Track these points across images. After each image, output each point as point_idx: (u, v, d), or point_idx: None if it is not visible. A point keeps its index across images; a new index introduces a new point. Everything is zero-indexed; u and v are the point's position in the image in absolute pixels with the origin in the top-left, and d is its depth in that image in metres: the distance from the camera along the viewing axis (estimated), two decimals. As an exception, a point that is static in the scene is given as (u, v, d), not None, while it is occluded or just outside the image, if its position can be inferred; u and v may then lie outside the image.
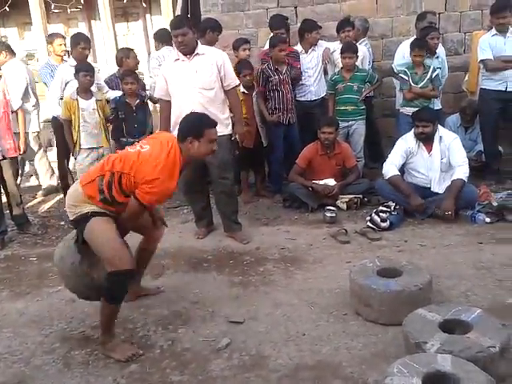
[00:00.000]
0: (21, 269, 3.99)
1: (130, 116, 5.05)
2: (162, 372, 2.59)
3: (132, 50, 5.70)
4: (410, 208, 4.36)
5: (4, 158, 4.53)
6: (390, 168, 4.50)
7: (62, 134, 5.01)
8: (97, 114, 4.79)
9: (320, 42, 5.50)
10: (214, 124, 2.93)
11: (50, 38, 5.47)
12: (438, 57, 5.26)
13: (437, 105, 5.21)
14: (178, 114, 3.78)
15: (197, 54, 3.92)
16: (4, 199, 4.70)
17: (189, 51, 3.91)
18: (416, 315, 2.54)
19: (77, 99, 4.73)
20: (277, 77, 5.04)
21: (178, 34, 3.87)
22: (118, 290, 2.68)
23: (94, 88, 4.87)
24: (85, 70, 4.65)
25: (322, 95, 5.51)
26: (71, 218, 2.77)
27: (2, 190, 4.68)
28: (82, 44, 5.07)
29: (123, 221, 2.77)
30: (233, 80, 4.05)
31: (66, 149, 5.11)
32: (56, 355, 2.79)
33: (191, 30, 3.93)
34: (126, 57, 5.42)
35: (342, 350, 2.63)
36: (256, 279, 3.53)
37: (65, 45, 5.39)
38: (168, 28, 4.62)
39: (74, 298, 3.41)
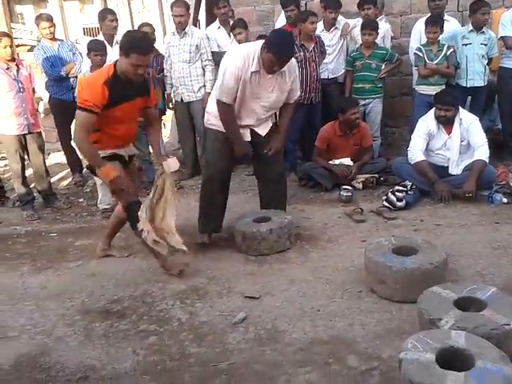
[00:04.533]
0: (41, 244, 4.07)
1: None
2: (180, 344, 2.66)
3: (151, 25, 5.73)
4: (434, 193, 4.33)
5: (29, 133, 4.63)
6: (416, 153, 4.46)
7: (61, 113, 5.11)
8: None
9: (340, 19, 5.41)
10: (144, 52, 3.05)
11: (37, 20, 5.44)
12: (483, 32, 5.05)
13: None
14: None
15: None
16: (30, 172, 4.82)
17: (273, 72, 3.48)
18: (431, 292, 2.55)
19: (90, 77, 4.74)
20: (302, 53, 4.92)
21: (283, 63, 3.38)
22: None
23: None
24: (96, 50, 4.65)
25: (340, 74, 5.46)
26: (86, 166, 3.46)
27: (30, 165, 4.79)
28: (109, 17, 5.08)
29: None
30: (297, 94, 3.77)
31: (66, 127, 5.19)
32: (77, 327, 2.87)
33: None
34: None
35: (356, 326, 2.67)
36: (271, 257, 3.57)
37: (50, 27, 5.31)
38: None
39: (94, 272, 3.53)
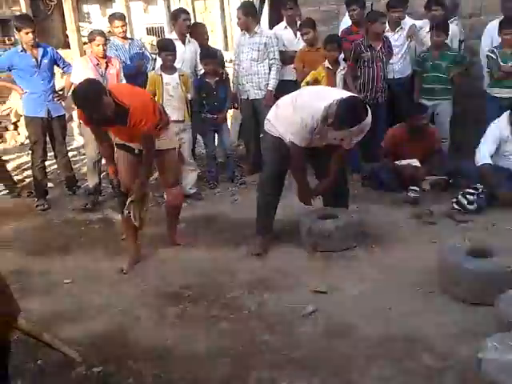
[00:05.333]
0: (113, 230, 4.24)
1: (210, 94, 5.19)
2: (251, 331, 2.72)
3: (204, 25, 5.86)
4: (501, 200, 4.20)
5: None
6: (482, 156, 4.34)
7: None
8: (180, 89, 4.92)
9: (406, 19, 5.35)
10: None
11: (110, 18, 5.64)
12: None
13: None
14: None
15: None
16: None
17: None
18: (509, 295, 2.49)
19: (161, 74, 4.86)
20: (369, 53, 4.94)
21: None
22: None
23: (176, 63, 5.00)
24: (166, 50, 4.77)
25: (406, 74, 5.39)
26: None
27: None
28: (183, 16, 5.22)
29: None
30: (354, 144, 3.70)
31: None
32: (151, 309, 2.99)
33: None
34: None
35: (430, 326, 2.64)
36: (337, 254, 3.56)
37: (123, 26, 5.47)
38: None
39: (165, 258, 3.65)
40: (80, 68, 4.76)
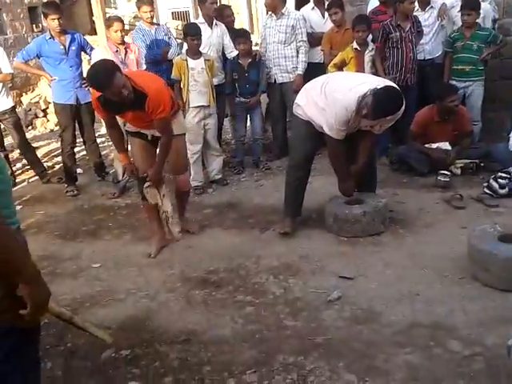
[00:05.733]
0: (141, 216, 4.29)
1: (241, 76, 5.13)
2: (276, 316, 2.72)
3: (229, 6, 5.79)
4: None
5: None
6: None
7: None
8: (205, 73, 4.89)
9: (437, -2, 5.19)
10: (96, 88, 3.25)
11: (138, 3, 5.61)
12: None
13: None
14: None
15: None
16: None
17: None
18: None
19: (186, 59, 4.84)
20: (398, 33, 4.82)
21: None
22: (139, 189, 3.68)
23: (203, 48, 4.97)
24: (192, 34, 4.74)
25: (437, 54, 5.25)
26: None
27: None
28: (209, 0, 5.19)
29: None
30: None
31: None
32: (178, 294, 3.02)
33: None
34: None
35: (458, 312, 2.60)
36: (364, 239, 3.53)
37: (151, 12, 5.44)
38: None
39: (191, 244, 3.68)
40: (100, 57, 4.76)
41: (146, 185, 3.48)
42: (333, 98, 3.38)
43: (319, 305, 2.80)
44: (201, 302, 2.92)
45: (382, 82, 3.40)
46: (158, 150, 3.49)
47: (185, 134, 3.81)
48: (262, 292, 2.97)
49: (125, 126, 3.76)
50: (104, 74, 3.06)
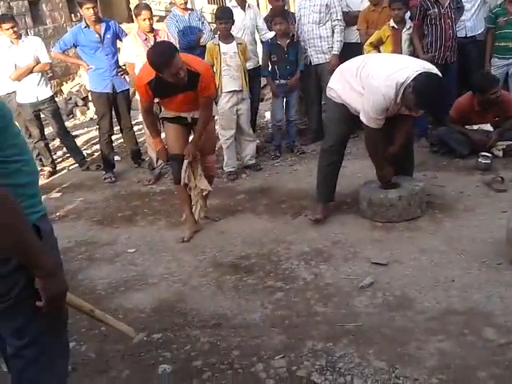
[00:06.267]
0: (175, 202, 4.33)
1: (281, 58, 5.04)
2: (307, 302, 2.70)
3: None
4: None
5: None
6: None
7: None
8: (238, 58, 4.83)
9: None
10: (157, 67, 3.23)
11: None
12: None
13: None
14: None
15: None
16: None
17: None
18: None
19: (218, 44, 4.80)
20: (436, 10, 4.64)
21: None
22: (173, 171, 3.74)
23: (238, 31, 4.91)
24: (219, 18, 4.69)
25: (479, 31, 5.02)
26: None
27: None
28: None
29: None
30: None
31: None
32: (210, 278, 3.05)
33: None
34: None
35: (494, 299, 2.51)
36: (400, 224, 3.45)
37: None
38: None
39: (223, 230, 3.70)
40: (131, 46, 4.79)
41: (185, 164, 3.53)
42: (369, 85, 3.27)
43: (350, 291, 2.76)
44: (232, 287, 2.93)
45: (420, 67, 3.25)
46: (196, 127, 3.55)
47: (214, 116, 3.90)
48: (293, 278, 2.96)
49: (160, 112, 3.80)
50: (165, 54, 3.17)
